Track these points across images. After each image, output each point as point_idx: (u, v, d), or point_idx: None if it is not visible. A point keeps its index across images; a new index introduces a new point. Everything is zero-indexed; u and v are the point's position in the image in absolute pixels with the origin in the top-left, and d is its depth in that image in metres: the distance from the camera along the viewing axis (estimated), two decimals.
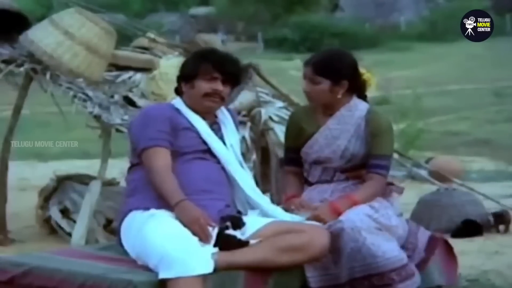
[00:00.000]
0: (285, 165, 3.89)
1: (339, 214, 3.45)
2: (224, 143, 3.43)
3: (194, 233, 3.03)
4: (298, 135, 3.75)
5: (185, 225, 3.05)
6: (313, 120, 3.72)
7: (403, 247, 3.53)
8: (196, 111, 3.41)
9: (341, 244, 3.33)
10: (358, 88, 3.72)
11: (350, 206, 3.49)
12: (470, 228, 6.06)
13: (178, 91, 3.51)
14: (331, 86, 3.61)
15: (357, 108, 3.68)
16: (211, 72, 3.38)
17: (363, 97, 3.76)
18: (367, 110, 3.69)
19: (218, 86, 3.38)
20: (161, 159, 3.23)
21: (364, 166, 3.65)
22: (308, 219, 3.42)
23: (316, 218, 3.43)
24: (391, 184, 3.76)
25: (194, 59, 3.47)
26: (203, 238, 3.03)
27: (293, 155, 3.81)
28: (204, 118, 3.42)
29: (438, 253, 3.72)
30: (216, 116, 3.50)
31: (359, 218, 3.40)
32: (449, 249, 3.80)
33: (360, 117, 3.66)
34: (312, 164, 3.72)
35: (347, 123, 3.65)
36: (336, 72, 3.61)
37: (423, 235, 3.73)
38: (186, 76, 3.44)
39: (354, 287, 3.37)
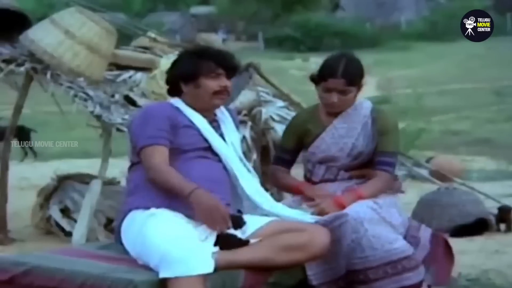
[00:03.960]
0: (274, 163, 3.90)
1: (343, 207, 3.46)
2: (224, 140, 3.43)
3: (207, 222, 3.02)
4: (301, 137, 3.76)
5: (200, 214, 3.03)
6: (318, 121, 3.75)
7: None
8: (197, 110, 3.38)
9: (342, 234, 3.33)
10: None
11: (354, 200, 3.51)
12: (482, 226, 6.12)
13: (172, 92, 3.48)
14: (356, 91, 3.68)
15: (362, 106, 3.72)
16: (215, 69, 3.36)
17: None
18: (371, 108, 3.73)
19: (225, 82, 3.37)
20: (159, 157, 3.21)
21: (369, 165, 3.67)
22: (312, 213, 3.43)
23: (320, 211, 3.44)
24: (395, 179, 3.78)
25: (192, 58, 3.42)
26: (224, 224, 3.03)
27: (287, 156, 3.83)
28: (204, 116, 3.40)
29: (437, 252, 3.72)
30: (215, 115, 3.49)
31: (363, 210, 3.43)
32: (448, 249, 3.79)
33: (366, 116, 3.70)
34: (316, 163, 3.73)
35: (354, 121, 3.69)
36: (361, 78, 3.68)
37: (425, 232, 3.72)
38: (186, 76, 3.40)
39: (350, 279, 3.37)
